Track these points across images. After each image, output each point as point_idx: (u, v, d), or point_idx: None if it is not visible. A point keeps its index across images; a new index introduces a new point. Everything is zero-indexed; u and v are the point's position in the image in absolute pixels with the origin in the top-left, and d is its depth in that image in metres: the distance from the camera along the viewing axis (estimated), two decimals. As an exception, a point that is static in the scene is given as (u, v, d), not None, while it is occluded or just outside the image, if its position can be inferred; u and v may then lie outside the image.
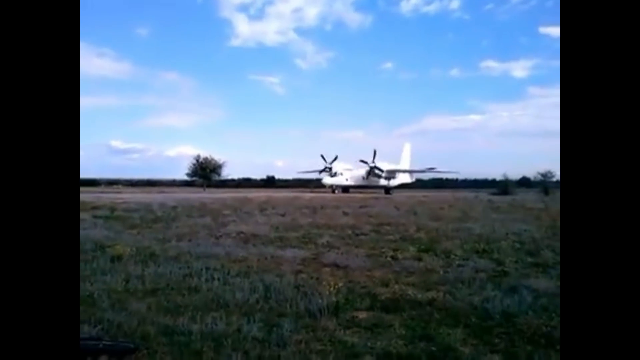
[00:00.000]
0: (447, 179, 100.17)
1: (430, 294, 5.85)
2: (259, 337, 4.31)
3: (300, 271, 7.55)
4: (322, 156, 68.62)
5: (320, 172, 69.57)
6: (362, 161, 64.72)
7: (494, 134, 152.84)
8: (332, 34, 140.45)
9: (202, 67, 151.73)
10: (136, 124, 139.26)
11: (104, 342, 3.99)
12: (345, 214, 20.49)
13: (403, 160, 77.98)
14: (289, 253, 9.24)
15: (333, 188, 64.19)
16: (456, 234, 12.77)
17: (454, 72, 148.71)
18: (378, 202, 32.36)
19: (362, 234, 12.88)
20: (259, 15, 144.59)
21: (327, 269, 7.76)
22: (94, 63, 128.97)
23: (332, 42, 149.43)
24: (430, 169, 72.14)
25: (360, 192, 62.14)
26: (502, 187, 62.33)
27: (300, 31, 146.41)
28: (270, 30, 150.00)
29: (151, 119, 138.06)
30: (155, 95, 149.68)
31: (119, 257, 8.23)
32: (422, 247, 10.23)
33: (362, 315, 5.15)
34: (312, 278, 6.91)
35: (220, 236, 11.94)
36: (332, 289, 5.96)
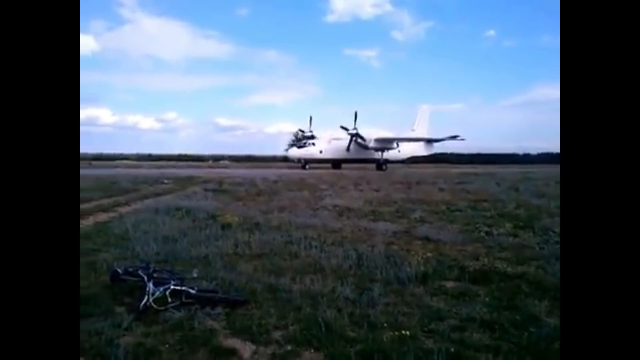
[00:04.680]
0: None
1: (521, 268, 5.86)
2: (351, 298, 4.77)
3: (391, 243, 7.88)
4: (310, 119, 53.57)
5: (295, 143, 52.37)
6: (343, 127, 49.66)
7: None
8: (430, 3, 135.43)
9: (298, 44, 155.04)
10: (239, 102, 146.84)
11: (219, 295, 4.73)
12: (441, 189, 20.27)
13: (418, 126, 60.43)
14: (381, 226, 9.58)
15: (302, 162, 49.34)
16: (559, 211, 12.15)
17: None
18: (477, 178, 31.17)
19: (457, 209, 12.78)
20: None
21: (418, 242, 7.99)
22: (200, 44, 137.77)
23: (430, 11, 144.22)
24: (453, 137, 54.65)
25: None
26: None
27: (397, 2, 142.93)
28: (365, 3, 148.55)
29: (252, 97, 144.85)
30: (256, 74, 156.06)
31: (228, 225, 9.18)
32: (520, 223, 9.98)
33: (449, 284, 5.38)
34: (402, 249, 7.21)
35: (317, 209, 12.61)
36: (421, 259, 6.24)
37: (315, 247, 7.26)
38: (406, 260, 6.20)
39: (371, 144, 50.12)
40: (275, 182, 23.68)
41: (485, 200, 15.11)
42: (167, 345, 3.73)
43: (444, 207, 13.15)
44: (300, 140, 52.27)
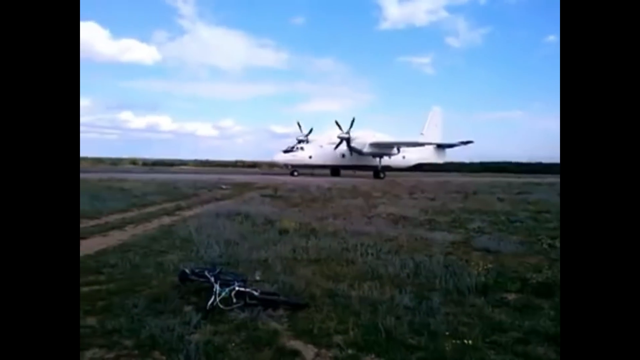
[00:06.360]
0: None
1: (588, 283, 5.63)
2: (409, 306, 4.79)
3: (449, 253, 7.78)
4: (299, 124, 49.52)
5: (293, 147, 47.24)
6: (337, 124, 44.66)
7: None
8: (487, 9, 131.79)
9: (352, 52, 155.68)
10: (293, 109, 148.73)
11: (281, 298, 4.89)
12: (500, 199, 19.66)
13: (428, 130, 54.67)
14: (438, 235, 9.47)
15: (291, 169, 45.30)
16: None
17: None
18: (537, 187, 29.89)
19: (518, 220, 12.38)
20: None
21: (478, 253, 7.84)
22: (256, 53, 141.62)
23: (487, 17, 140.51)
24: (466, 142, 51.27)
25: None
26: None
27: (452, 8, 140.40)
28: (420, 10, 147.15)
29: (306, 105, 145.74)
30: (310, 82, 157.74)
31: (285, 231, 9.41)
32: (586, 236, 9.52)
33: (511, 296, 5.27)
34: (461, 260, 7.10)
35: (372, 216, 12.63)
36: (481, 270, 6.13)
37: (372, 254, 7.31)
38: (465, 271, 6.12)
39: (366, 149, 44.59)
40: (329, 189, 23.87)
41: (547, 212, 14.53)
42: (233, 344, 3.90)
43: (503, 218, 12.78)
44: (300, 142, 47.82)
